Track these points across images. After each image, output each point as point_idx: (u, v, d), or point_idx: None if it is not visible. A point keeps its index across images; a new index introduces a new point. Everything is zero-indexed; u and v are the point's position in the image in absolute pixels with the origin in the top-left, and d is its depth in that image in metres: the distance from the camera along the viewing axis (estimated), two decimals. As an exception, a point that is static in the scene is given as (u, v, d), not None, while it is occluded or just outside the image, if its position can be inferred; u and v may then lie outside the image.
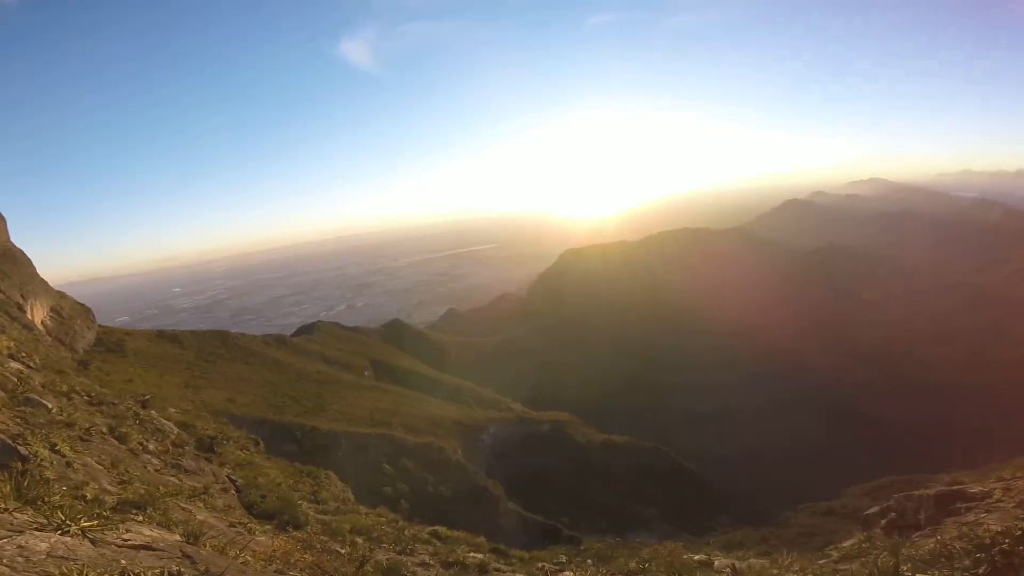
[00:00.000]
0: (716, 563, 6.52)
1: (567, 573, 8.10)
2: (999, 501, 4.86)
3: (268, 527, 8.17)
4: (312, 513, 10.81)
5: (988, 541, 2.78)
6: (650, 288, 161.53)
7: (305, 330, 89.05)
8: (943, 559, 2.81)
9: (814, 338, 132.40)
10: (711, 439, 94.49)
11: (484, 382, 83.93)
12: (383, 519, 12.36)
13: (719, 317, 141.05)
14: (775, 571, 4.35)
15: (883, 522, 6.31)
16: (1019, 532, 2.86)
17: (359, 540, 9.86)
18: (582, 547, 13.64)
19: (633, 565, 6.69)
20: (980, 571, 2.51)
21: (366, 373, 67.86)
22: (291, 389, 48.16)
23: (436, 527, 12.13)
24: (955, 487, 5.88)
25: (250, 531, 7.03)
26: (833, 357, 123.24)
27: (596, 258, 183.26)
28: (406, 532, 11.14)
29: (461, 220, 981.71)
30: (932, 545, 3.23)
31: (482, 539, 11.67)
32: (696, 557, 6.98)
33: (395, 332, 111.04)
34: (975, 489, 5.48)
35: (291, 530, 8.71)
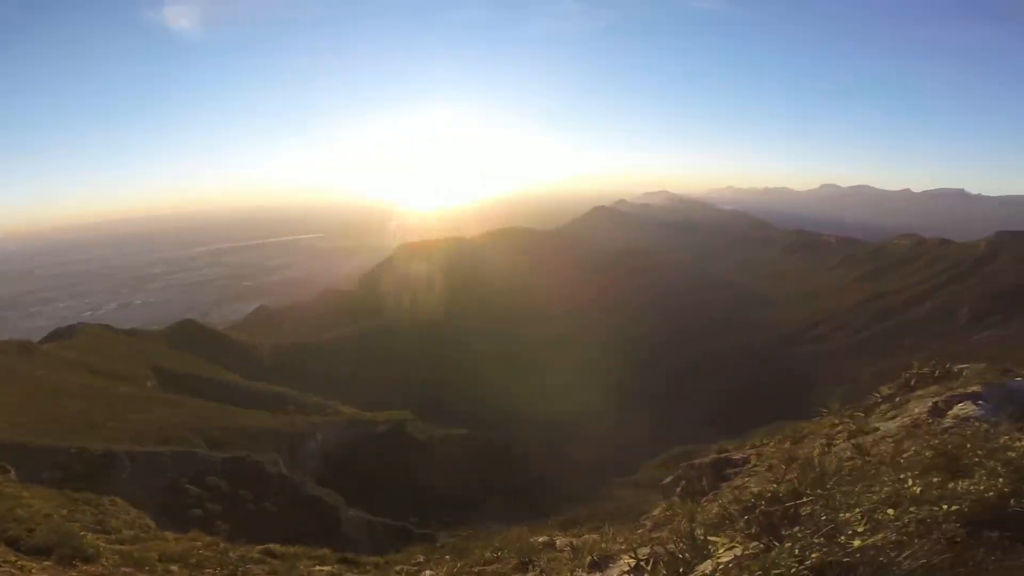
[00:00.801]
0: (558, 542, 7.32)
1: (427, 572, 8.26)
2: (755, 466, 6.50)
3: (47, 563, 6.96)
4: (102, 544, 9.28)
5: (751, 503, 3.72)
6: (486, 283, 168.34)
7: (60, 334, 73.08)
8: (727, 521, 3.66)
9: (621, 329, 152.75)
10: (540, 426, 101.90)
11: (309, 387, 78.62)
12: (198, 543, 11.00)
13: (547, 310, 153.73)
14: (604, 544, 5.13)
15: (678, 490, 7.85)
16: (769, 494, 3.88)
17: (175, 568, 8.76)
18: (439, 544, 13.87)
19: (488, 554, 7.15)
20: (751, 531, 3.33)
21: (149, 384, 58.84)
22: (46, 407, 39.47)
23: (268, 545, 11.24)
24: (722, 455, 7.65)
25: (24, 570, 5.99)
26: (633, 343, 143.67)
27: (433, 253, 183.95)
28: (231, 554, 10.15)
29: (286, 205, 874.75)
30: (716, 509, 4.15)
31: (326, 551, 11.16)
32: (540, 539, 7.73)
33: (186, 334, 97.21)
34: (737, 456, 7.23)
35: (79, 564, 7.48)
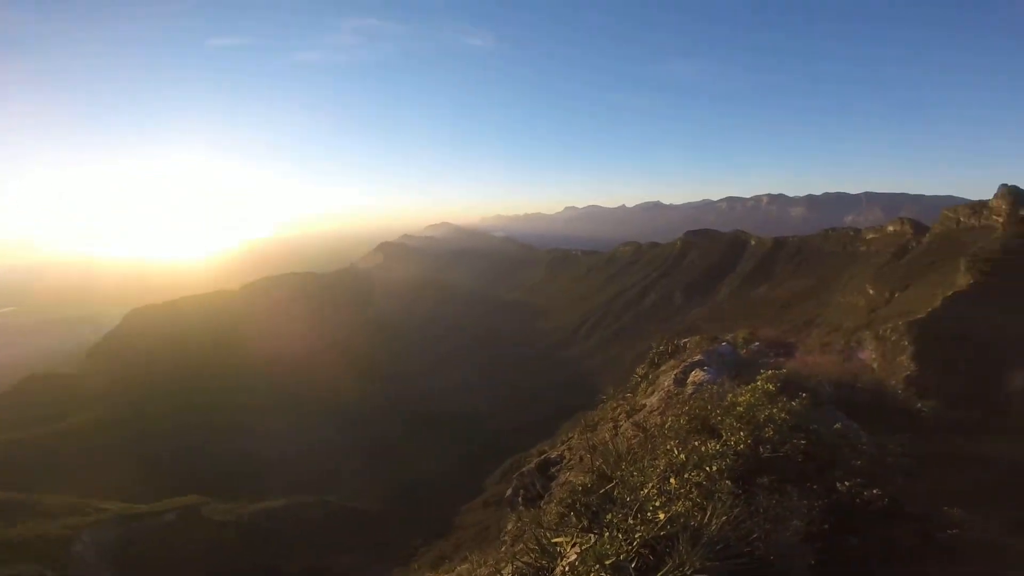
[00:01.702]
0: (431, 583, 6.91)
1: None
2: (569, 460, 7.27)
3: None
4: None
5: (571, 499, 4.14)
6: (252, 336, 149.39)
7: None
8: (563, 520, 3.99)
9: (425, 354, 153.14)
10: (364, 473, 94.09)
11: (42, 487, 59.38)
12: None
13: (332, 354, 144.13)
14: (475, 572, 5.08)
15: (520, 499, 8.17)
16: (582, 486, 4.37)
17: None
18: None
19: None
20: (583, 524, 3.70)
21: None
22: None
23: None
24: (543, 456, 8.37)
25: None
26: (441, 367, 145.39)
27: (180, 313, 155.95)
28: None
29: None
30: (554, 509, 4.49)
31: None
32: (418, 584, 7.20)
33: None
34: (554, 454, 8.01)
35: None
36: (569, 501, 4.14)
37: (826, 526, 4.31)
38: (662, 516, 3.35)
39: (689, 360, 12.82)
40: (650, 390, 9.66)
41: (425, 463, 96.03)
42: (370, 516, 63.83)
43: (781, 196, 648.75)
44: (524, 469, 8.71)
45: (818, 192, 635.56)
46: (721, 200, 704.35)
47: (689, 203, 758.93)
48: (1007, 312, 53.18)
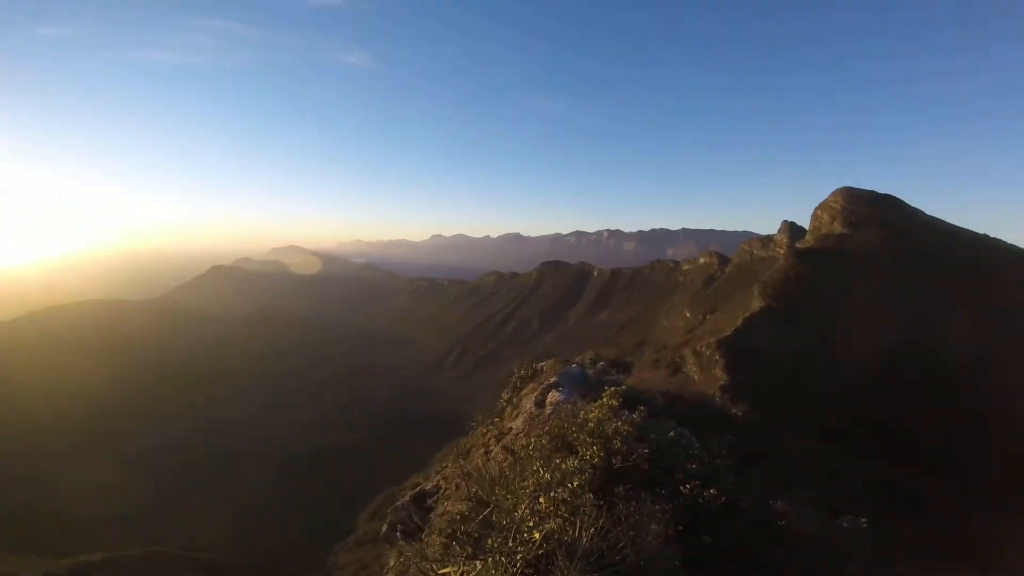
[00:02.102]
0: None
1: None
2: (446, 490, 7.13)
3: None
4: None
5: (451, 529, 4.13)
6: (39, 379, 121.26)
7: None
8: (447, 551, 3.93)
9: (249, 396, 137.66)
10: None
11: None
12: None
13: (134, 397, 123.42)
14: None
15: (399, 534, 7.66)
16: (459, 514, 4.38)
17: None
18: None
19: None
20: (467, 552, 3.68)
21: None
22: None
23: None
24: (417, 488, 8.09)
25: None
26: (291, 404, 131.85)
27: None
28: None
29: None
30: (436, 541, 4.39)
31: None
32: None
33: None
34: (429, 485, 7.79)
35: None
36: (450, 531, 4.09)
37: (680, 527, 4.76)
38: (537, 536, 3.47)
39: (546, 382, 13.46)
40: (515, 413, 9.94)
41: (284, 506, 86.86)
42: (224, 567, 54.83)
43: (618, 231, 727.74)
44: (399, 503, 8.33)
45: (647, 228, 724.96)
46: (570, 234, 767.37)
47: (544, 235, 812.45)
48: (791, 327, 65.42)
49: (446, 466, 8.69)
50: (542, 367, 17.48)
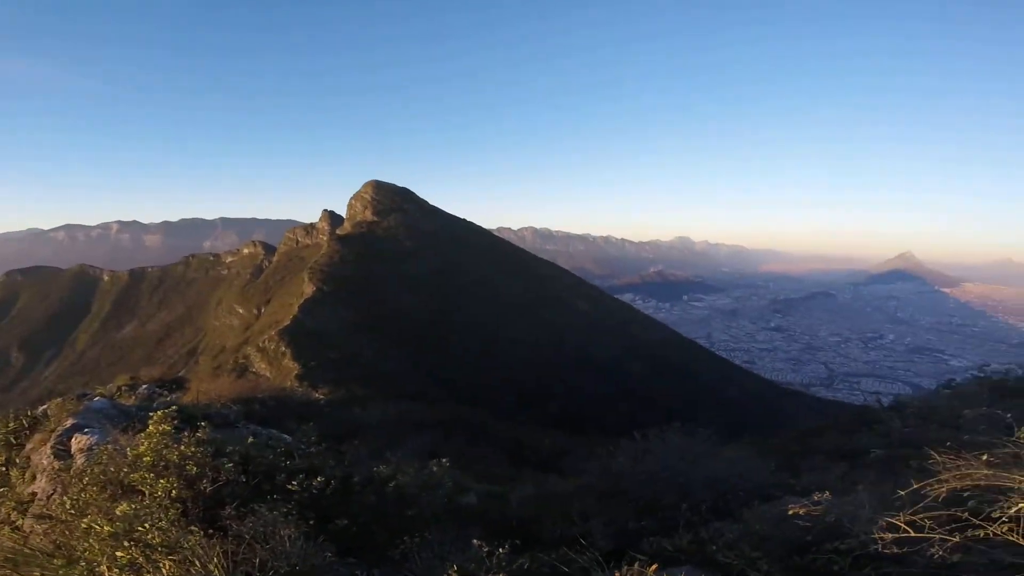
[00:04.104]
0: None
1: None
2: None
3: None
4: None
5: None
6: None
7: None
8: None
9: None
10: None
11: None
12: None
13: None
14: None
15: None
16: None
17: None
18: None
19: None
20: None
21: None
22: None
23: None
24: None
25: None
26: None
27: None
28: None
29: None
30: None
31: None
32: None
33: None
34: None
35: None
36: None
37: (311, 520, 4.82)
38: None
39: (60, 428, 10.33)
40: (28, 475, 7.30)
41: None
42: None
43: (135, 223, 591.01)
44: None
45: (175, 218, 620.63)
46: (57, 229, 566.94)
47: (8, 234, 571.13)
48: (344, 306, 70.82)
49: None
50: (44, 411, 12.97)
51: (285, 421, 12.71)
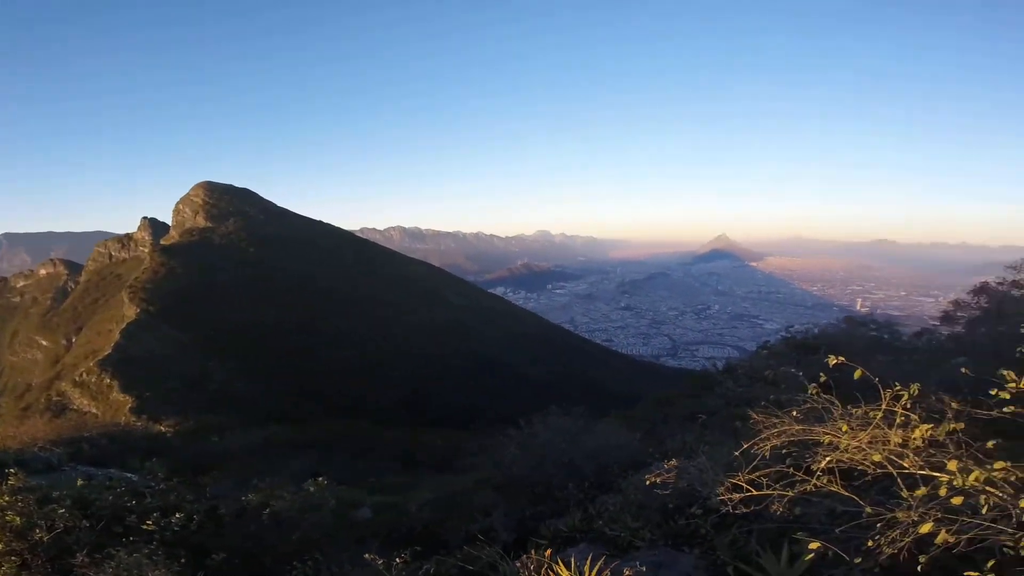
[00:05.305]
0: None
1: None
2: None
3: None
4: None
5: None
6: None
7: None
8: None
9: None
10: None
11: None
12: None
13: None
14: None
15: None
16: None
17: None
18: None
19: None
20: None
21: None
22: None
23: None
24: None
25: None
26: None
27: None
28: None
29: None
30: None
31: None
32: None
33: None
34: None
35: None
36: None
37: (183, 559, 4.60)
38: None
39: None
40: None
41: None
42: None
43: None
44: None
45: None
46: None
47: None
48: (175, 324, 62.19)
49: None
50: None
51: (126, 459, 11.22)
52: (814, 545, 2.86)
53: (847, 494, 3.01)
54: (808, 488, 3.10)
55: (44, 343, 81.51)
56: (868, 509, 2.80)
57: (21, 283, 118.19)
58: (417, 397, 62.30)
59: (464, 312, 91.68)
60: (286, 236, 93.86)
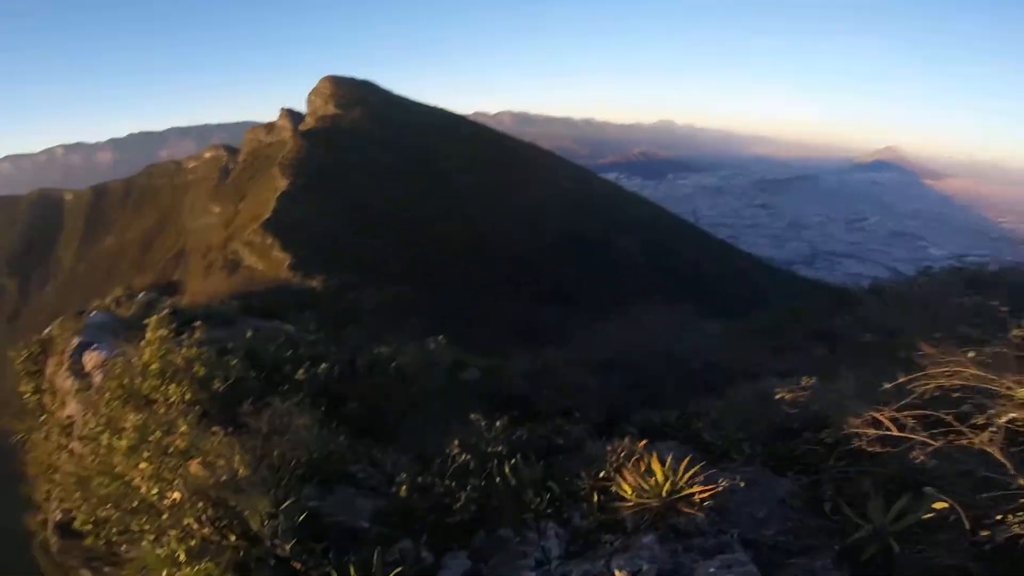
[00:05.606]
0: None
1: None
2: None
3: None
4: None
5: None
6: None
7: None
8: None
9: None
10: None
11: None
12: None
13: None
14: None
15: None
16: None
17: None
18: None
19: None
20: None
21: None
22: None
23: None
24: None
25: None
26: None
27: None
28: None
29: None
30: None
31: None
32: None
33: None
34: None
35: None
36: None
37: (323, 408, 5.05)
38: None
39: (69, 348, 10.60)
40: (57, 401, 7.51)
41: None
42: None
43: (80, 144, 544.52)
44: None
45: (122, 134, 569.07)
46: (2, 160, 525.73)
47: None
48: (319, 197, 69.59)
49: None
50: (49, 334, 13.02)
51: (285, 312, 12.86)
52: (940, 505, 2.54)
53: (1002, 458, 2.56)
54: (964, 442, 2.68)
55: (217, 210, 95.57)
56: (1022, 481, 2.42)
57: (192, 164, 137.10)
58: (524, 275, 64.46)
59: (575, 195, 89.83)
60: (406, 120, 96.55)
